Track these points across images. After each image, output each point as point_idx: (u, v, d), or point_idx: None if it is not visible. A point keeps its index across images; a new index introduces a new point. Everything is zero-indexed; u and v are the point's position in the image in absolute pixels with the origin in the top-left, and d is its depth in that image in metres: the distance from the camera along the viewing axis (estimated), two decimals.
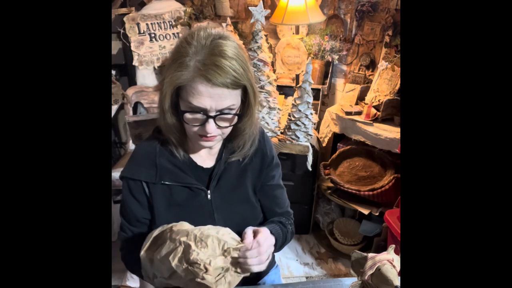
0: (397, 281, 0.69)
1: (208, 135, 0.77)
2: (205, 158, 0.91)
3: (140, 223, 0.90)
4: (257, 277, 1.04)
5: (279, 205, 1.01)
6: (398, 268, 0.73)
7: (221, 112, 0.75)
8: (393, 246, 0.77)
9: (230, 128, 0.82)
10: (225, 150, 0.90)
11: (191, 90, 0.72)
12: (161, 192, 0.86)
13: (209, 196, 0.88)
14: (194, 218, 0.86)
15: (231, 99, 0.75)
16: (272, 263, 1.10)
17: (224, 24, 2.14)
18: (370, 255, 0.75)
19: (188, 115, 0.76)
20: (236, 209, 0.91)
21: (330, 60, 2.16)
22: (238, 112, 0.79)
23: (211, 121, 0.75)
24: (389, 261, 0.73)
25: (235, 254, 0.71)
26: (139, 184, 0.86)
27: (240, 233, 0.79)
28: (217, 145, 0.90)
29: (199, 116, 0.75)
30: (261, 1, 1.87)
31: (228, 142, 0.90)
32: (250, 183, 0.93)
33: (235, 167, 0.91)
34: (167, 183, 0.86)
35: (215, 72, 0.70)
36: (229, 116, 0.78)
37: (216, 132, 0.78)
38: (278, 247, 0.90)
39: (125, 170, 0.88)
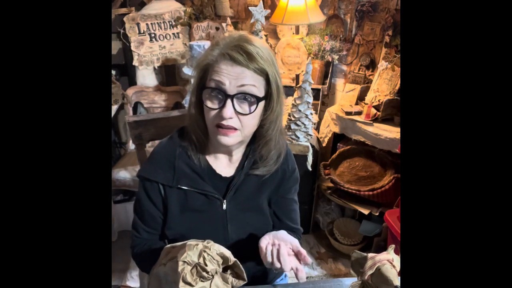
0: (397, 281, 0.69)
1: (225, 121, 0.75)
2: (225, 166, 0.89)
3: (154, 223, 0.89)
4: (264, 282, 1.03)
5: (293, 220, 0.99)
6: (398, 268, 0.73)
7: (240, 92, 0.75)
8: (393, 246, 0.77)
9: (250, 121, 0.79)
10: (247, 161, 0.88)
11: (213, 69, 0.75)
12: (176, 196, 0.86)
13: (224, 206, 0.87)
14: (207, 226, 0.86)
15: (252, 79, 0.75)
16: (280, 272, 1.08)
17: (224, 24, 2.15)
18: (370, 255, 0.75)
19: (207, 95, 0.77)
20: (250, 221, 0.89)
21: (330, 60, 2.15)
22: (259, 97, 0.77)
23: (228, 102, 0.74)
24: (389, 261, 0.73)
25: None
26: (155, 185, 0.85)
27: (251, 244, 0.78)
28: (237, 152, 0.89)
29: (218, 96, 0.76)
30: (261, 1, 1.87)
31: (251, 153, 0.88)
32: (267, 196, 0.92)
33: (255, 179, 0.89)
34: (183, 187, 0.84)
35: (238, 52, 0.73)
36: (248, 100, 0.76)
37: (235, 121, 0.76)
38: None
39: (142, 169, 0.87)
